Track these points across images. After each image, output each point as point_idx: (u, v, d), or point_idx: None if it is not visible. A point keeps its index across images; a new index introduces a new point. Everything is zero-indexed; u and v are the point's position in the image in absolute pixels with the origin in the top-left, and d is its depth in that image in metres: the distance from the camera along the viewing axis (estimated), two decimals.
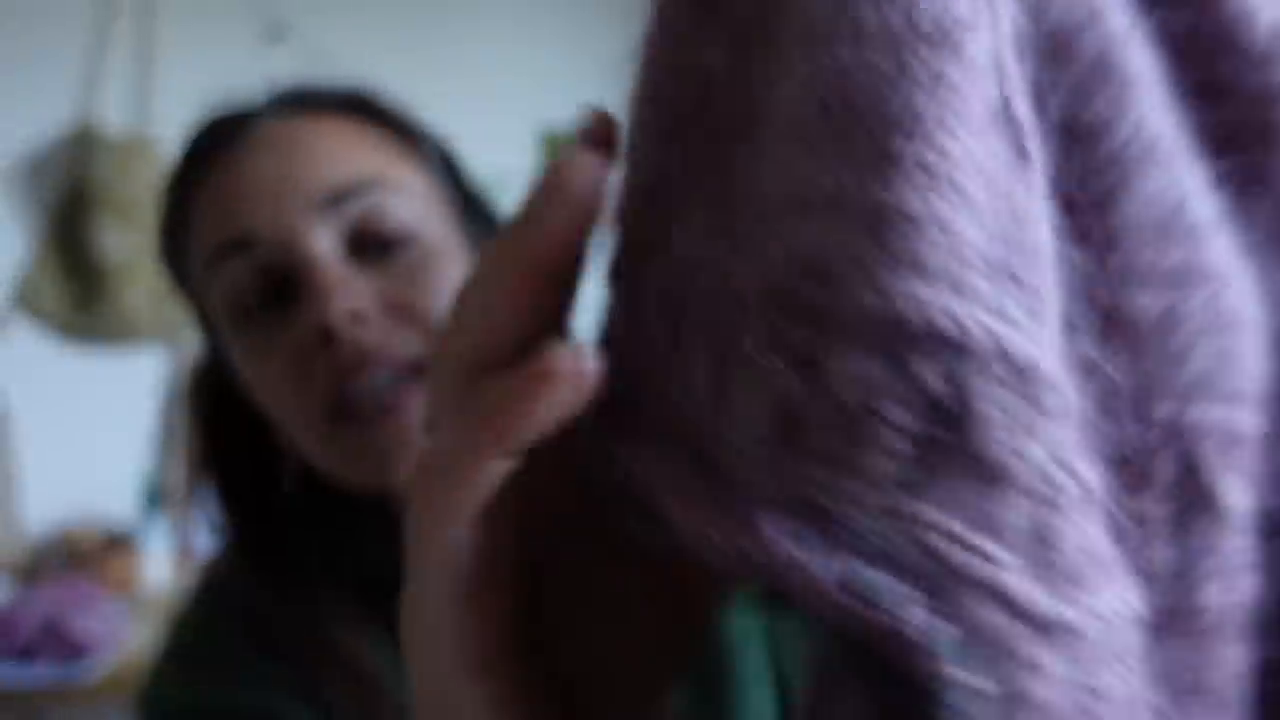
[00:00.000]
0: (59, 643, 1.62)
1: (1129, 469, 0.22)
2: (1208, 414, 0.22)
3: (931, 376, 0.19)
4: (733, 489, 0.19)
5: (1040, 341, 0.20)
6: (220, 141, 0.60)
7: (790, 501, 0.19)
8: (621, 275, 0.22)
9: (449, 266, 0.56)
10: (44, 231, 2.08)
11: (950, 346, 0.19)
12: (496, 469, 0.20)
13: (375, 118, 0.61)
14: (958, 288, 0.19)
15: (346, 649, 0.57)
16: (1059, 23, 0.23)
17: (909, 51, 0.19)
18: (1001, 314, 0.19)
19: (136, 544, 1.98)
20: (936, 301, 0.19)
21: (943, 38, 0.19)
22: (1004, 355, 0.19)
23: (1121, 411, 0.22)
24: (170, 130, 2.19)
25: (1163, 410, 0.22)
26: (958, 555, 0.19)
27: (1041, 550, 0.19)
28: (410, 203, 0.57)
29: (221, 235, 0.57)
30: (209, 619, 0.65)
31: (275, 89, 0.63)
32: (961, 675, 0.18)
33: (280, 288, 0.55)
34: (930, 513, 0.19)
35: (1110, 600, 0.20)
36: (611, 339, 0.22)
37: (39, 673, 1.60)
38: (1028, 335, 0.19)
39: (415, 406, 0.53)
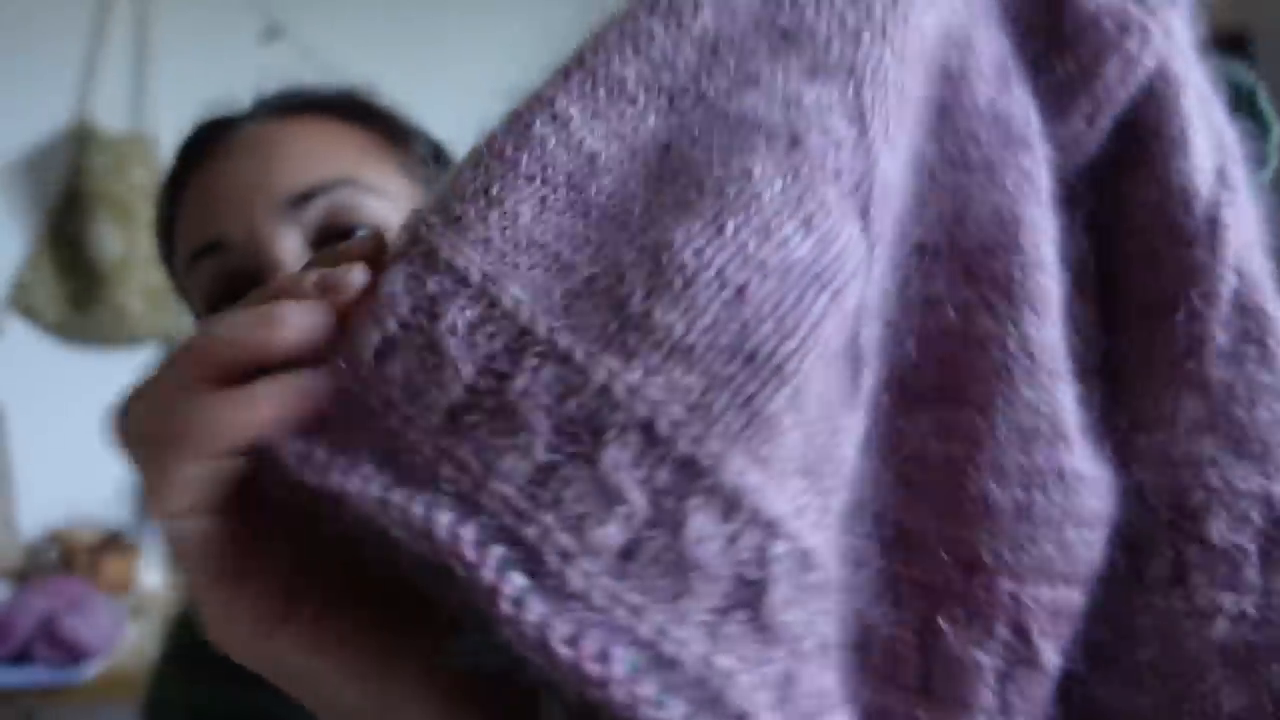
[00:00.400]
0: (55, 644, 1.61)
1: (959, 628, 0.29)
2: (1041, 594, 0.29)
3: (753, 556, 0.24)
4: None
5: (821, 533, 0.26)
6: (204, 146, 0.62)
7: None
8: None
9: None
10: (40, 230, 2.07)
11: (768, 531, 0.24)
12: (200, 473, 0.25)
13: (361, 119, 0.62)
14: (781, 485, 0.25)
15: None
16: (978, 244, 0.30)
17: (805, 295, 0.25)
18: (800, 512, 0.25)
19: (132, 545, 1.97)
20: (767, 491, 0.24)
21: (831, 291, 0.26)
22: (796, 543, 0.25)
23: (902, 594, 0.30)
24: (166, 129, 2.20)
25: (1005, 586, 0.29)
26: (736, 700, 0.23)
27: (787, 690, 0.24)
28: (384, 203, 0.58)
29: (198, 239, 0.58)
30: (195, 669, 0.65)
31: (265, 92, 0.64)
32: None
33: (249, 286, 0.56)
34: (721, 659, 0.23)
35: None
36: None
37: (35, 674, 1.60)
38: (815, 527, 0.25)
39: None
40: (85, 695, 1.60)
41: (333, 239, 0.56)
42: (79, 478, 2.03)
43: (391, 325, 0.25)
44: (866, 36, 0.28)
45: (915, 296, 0.30)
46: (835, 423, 0.26)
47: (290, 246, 0.56)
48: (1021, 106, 0.31)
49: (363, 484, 0.24)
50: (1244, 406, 0.31)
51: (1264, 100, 0.47)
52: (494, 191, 0.27)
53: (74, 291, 2.08)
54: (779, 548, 0.24)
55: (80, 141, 2.05)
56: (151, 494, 0.26)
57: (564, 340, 0.25)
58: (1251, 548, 0.31)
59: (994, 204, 0.30)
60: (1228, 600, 0.30)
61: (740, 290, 0.25)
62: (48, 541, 2.00)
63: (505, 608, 0.22)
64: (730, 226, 0.25)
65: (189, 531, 0.26)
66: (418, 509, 0.23)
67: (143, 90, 2.13)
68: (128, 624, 1.71)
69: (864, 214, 0.27)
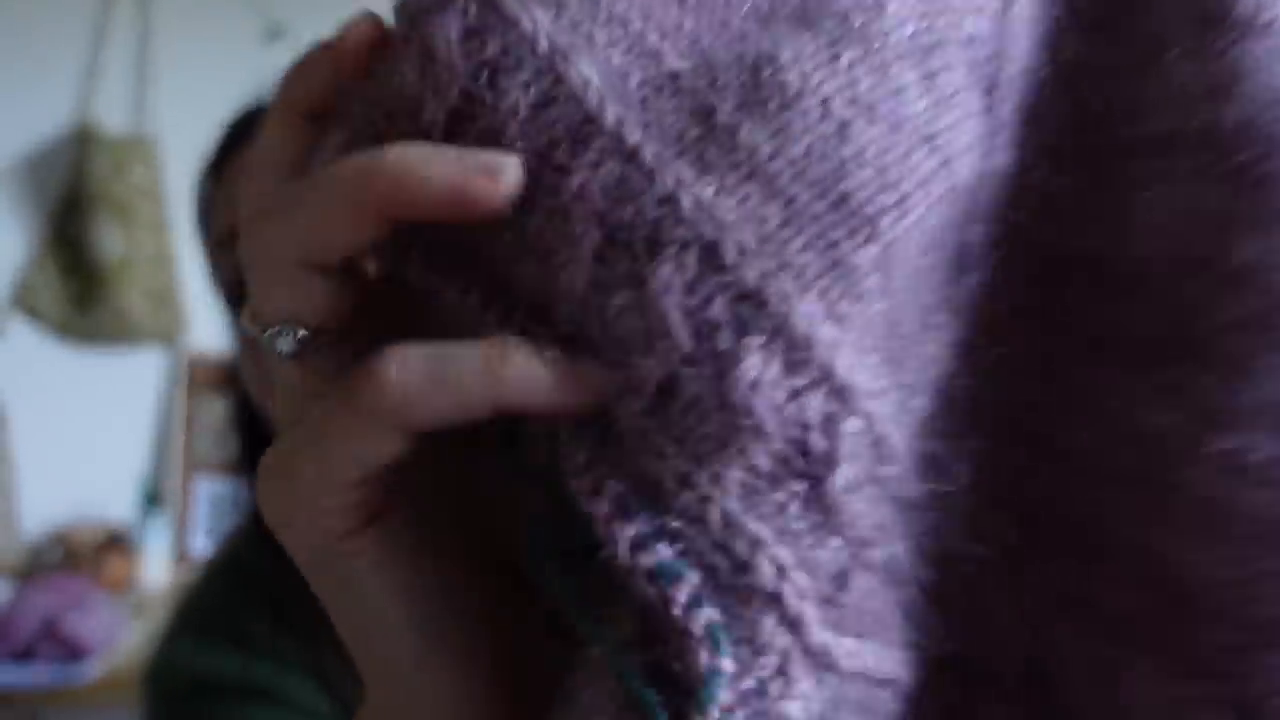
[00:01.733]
0: (57, 643, 1.62)
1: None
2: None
3: (820, 422, 0.21)
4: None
5: (900, 429, 0.22)
6: (242, 135, 0.62)
7: (639, 479, 0.21)
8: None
9: None
10: (42, 231, 2.08)
11: (841, 399, 0.21)
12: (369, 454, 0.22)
13: None
14: (860, 355, 0.21)
15: None
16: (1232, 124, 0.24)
17: (913, 153, 0.22)
18: (879, 394, 0.21)
19: (134, 544, 1.98)
20: (843, 351, 0.21)
21: (942, 157, 0.23)
22: (872, 424, 0.21)
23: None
24: (168, 130, 2.20)
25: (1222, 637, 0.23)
26: (768, 575, 0.20)
27: (837, 592, 0.21)
28: None
29: (223, 226, 0.60)
30: (225, 591, 0.66)
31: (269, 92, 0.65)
32: (729, 674, 0.20)
33: None
34: (763, 531, 0.20)
35: (880, 657, 0.22)
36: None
37: (37, 673, 1.60)
38: (893, 421, 0.22)
39: None
40: (87, 694, 1.60)
41: None
42: (81, 477, 2.04)
43: (453, 95, 0.22)
44: None
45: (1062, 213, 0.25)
46: (925, 316, 0.23)
47: None
48: None
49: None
50: None
51: None
52: None
53: (76, 292, 2.08)
54: (853, 423, 0.21)
55: (82, 143, 2.06)
56: (265, 294, 0.24)
57: (632, 135, 0.21)
58: None
59: (1276, 79, 0.23)
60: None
61: (842, 128, 0.21)
62: (50, 540, 2.00)
63: (553, 448, 0.21)
64: (846, 58, 0.22)
65: (323, 359, 0.24)
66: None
67: (144, 92, 2.14)
68: (130, 623, 1.72)
69: (989, 91, 0.24)
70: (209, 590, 0.69)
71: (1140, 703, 0.24)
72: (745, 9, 0.23)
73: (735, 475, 0.20)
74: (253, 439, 0.69)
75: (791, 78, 0.22)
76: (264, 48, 2.17)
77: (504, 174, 0.21)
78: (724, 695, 0.19)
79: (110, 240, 2.05)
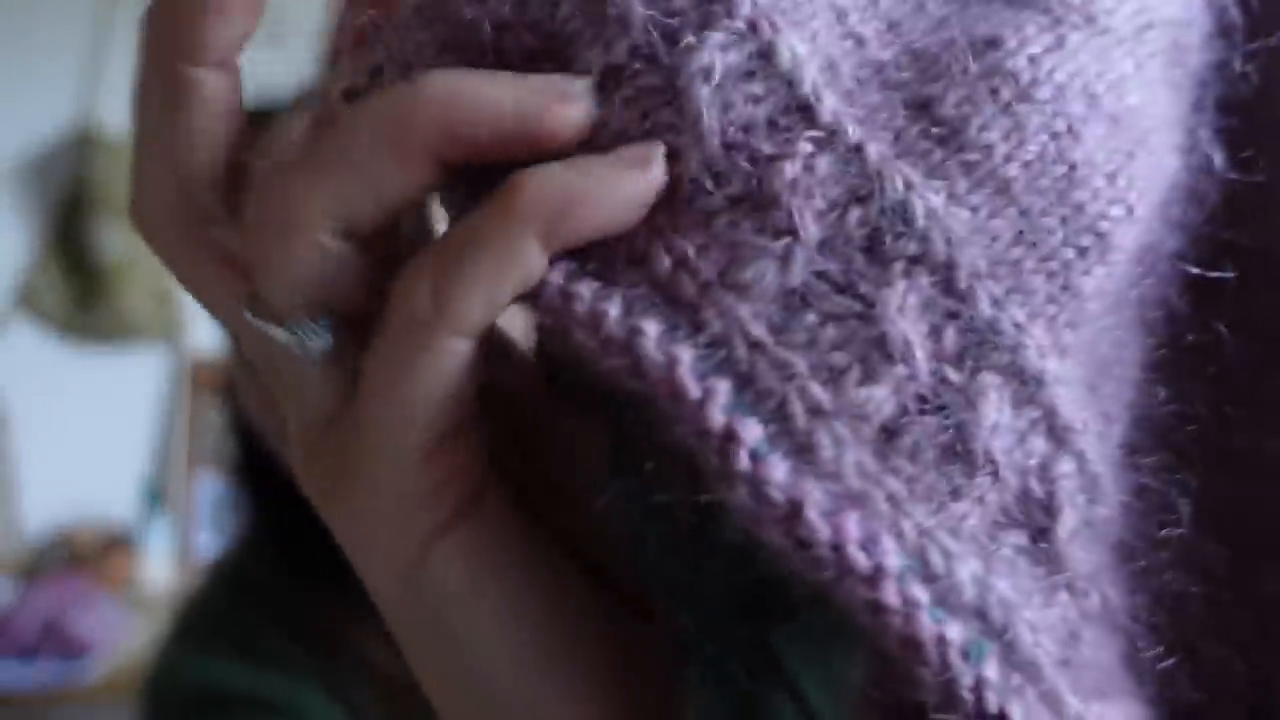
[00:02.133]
0: (59, 643, 1.62)
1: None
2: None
3: (1038, 466, 0.19)
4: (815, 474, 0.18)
5: (1103, 461, 0.20)
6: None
7: (853, 494, 0.18)
8: None
9: None
10: (44, 232, 2.08)
11: (1059, 440, 0.19)
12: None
13: None
14: (1072, 388, 0.19)
15: (375, 646, 0.57)
16: None
17: (1136, 154, 0.19)
18: (1086, 427, 0.19)
19: (136, 544, 1.98)
20: (1063, 388, 0.19)
21: (1156, 158, 0.20)
22: (1085, 463, 0.19)
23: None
24: None
25: None
26: (1023, 635, 0.18)
27: (1071, 648, 0.19)
28: None
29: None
30: (230, 600, 0.64)
31: (301, 84, 0.62)
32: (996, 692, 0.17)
33: None
34: (1002, 585, 0.18)
35: (1120, 717, 0.20)
36: None
37: (39, 672, 1.60)
38: (1096, 448, 0.20)
39: None
40: (89, 693, 1.60)
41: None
42: (83, 476, 2.04)
43: (621, 51, 0.18)
44: None
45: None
46: (1119, 332, 0.21)
47: None
48: None
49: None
50: None
51: None
52: None
53: (79, 292, 2.08)
54: (1066, 464, 0.19)
55: (85, 143, 2.06)
56: (286, 272, 0.19)
57: (853, 130, 0.18)
58: None
59: None
60: None
61: (1074, 125, 0.18)
62: (52, 540, 2.00)
63: (741, 460, 0.17)
64: (1074, 40, 0.19)
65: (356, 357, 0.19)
66: (612, 309, 0.17)
67: None
68: (132, 622, 1.72)
69: (1178, 78, 0.21)
70: (213, 598, 0.67)
71: None
72: None
73: (970, 525, 0.18)
74: (251, 456, 0.65)
75: (1021, 63, 0.18)
76: (265, 50, 2.17)
77: (578, 98, 0.18)
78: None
79: (112, 241, 2.05)
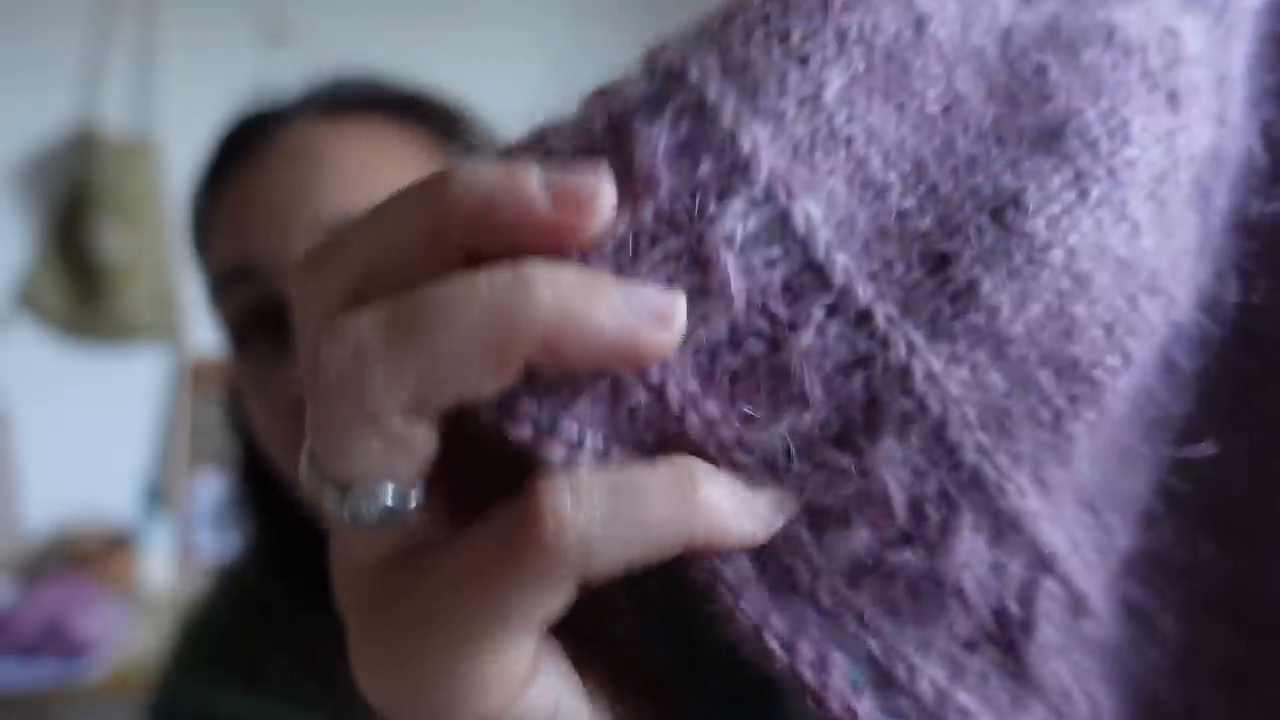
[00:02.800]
0: (60, 642, 1.62)
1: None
2: None
3: (1017, 589, 0.20)
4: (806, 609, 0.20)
5: (1095, 577, 0.21)
6: (243, 148, 0.56)
7: (847, 640, 0.20)
8: None
9: None
10: (45, 232, 2.09)
11: (1042, 565, 0.20)
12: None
13: (425, 120, 0.57)
14: (1059, 513, 0.20)
15: None
16: None
17: (1139, 301, 0.20)
18: (1076, 548, 0.21)
19: (137, 543, 1.98)
20: (1044, 518, 0.20)
21: (1167, 298, 0.21)
22: (1069, 584, 0.21)
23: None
24: (172, 132, 2.20)
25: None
26: None
27: None
28: None
29: (227, 260, 0.54)
30: (233, 623, 0.61)
31: (323, 84, 0.58)
32: None
33: (281, 316, 0.51)
34: (963, 696, 0.20)
35: None
36: None
37: (40, 672, 1.60)
38: (1090, 569, 0.21)
39: None
40: (91, 693, 1.60)
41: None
42: (84, 476, 2.04)
43: (647, 216, 0.18)
44: None
45: None
46: (1129, 449, 0.22)
47: None
48: None
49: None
50: None
51: None
52: (795, 40, 0.19)
53: (80, 292, 2.09)
54: (1050, 585, 0.20)
55: (86, 144, 2.06)
56: (352, 449, 0.18)
57: (864, 293, 0.19)
58: None
59: None
60: None
61: (1082, 281, 0.19)
62: (53, 539, 2.01)
63: (724, 593, 0.19)
64: (1095, 195, 0.19)
65: (417, 520, 0.20)
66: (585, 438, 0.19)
67: (149, 93, 2.14)
68: (133, 622, 1.72)
69: (1204, 203, 0.22)
70: (214, 621, 0.63)
71: None
72: (972, 127, 0.20)
73: (940, 646, 0.20)
74: (251, 467, 0.62)
75: (1039, 225, 0.19)
76: (268, 51, 2.18)
77: (676, 317, 0.18)
78: None
79: (113, 241, 2.05)
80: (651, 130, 0.19)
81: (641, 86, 0.19)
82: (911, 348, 0.19)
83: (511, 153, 0.20)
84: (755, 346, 0.19)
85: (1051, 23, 0.21)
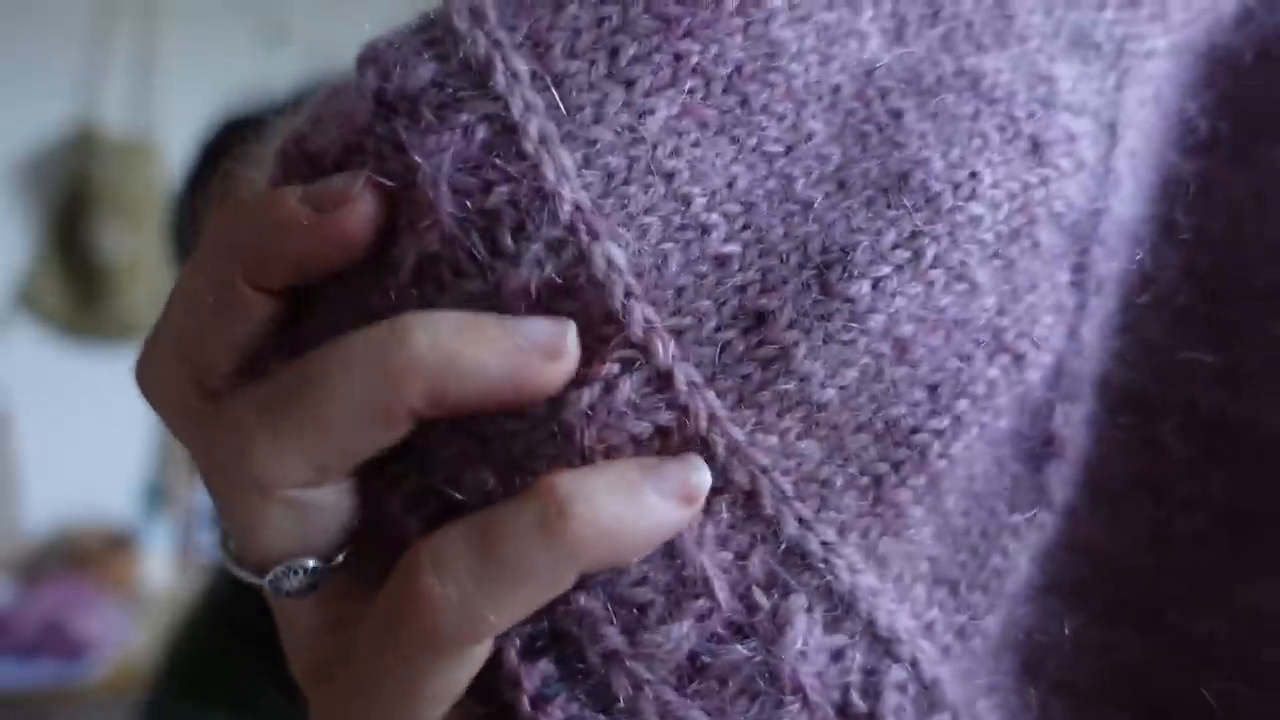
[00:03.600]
0: (60, 642, 1.62)
1: None
2: None
3: (860, 681, 0.19)
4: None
5: (953, 664, 0.19)
6: (226, 152, 0.57)
7: None
8: None
9: None
10: (45, 232, 2.09)
11: (883, 650, 0.19)
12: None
13: None
14: (903, 593, 0.19)
15: None
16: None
17: (974, 359, 0.19)
18: (928, 630, 0.19)
19: (138, 543, 1.98)
20: (884, 597, 0.19)
21: (1012, 355, 0.20)
22: (918, 671, 0.19)
23: None
24: (172, 131, 2.20)
25: None
26: None
27: None
28: None
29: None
30: (216, 643, 0.61)
31: (302, 86, 0.57)
32: None
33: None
34: None
35: None
36: None
37: (40, 672, 1.60)
38: (946, 654, 0.19)
39: None
40: (90, 693, 1.60)
41: None
42: (85, 476, 2.04)
43: (433, 243, 0.17)
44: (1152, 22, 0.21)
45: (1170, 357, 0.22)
46: (995, 521, 0.21)
47: None
48: None
49: None
50: None
51: None
52: (623, 59, 0.17)
53: (80, 292, 2.09)
54: (896, 674, 0.19)
55: (86, 143, 2.06)
56: (263, 529, 0.18)
57: (664, 352, 0.18)
58: None
59: None
60: None
61: (902, 346, 0.18)
62: (54, 540, 2.00)
63: (524, 706, 0.17)
64: (931, 253, 0.18)
65: (344, 582, 0.20)
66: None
67: (148, 92, 2.14)
68: (133, 622, 1.72)
69: (1080, 259, 0.20)
70: (197, 640, 0.62)
71: None
72: (815, 169, 0.18)
73: None
74: None
75: (864, 289, 0.18)
76: (267, 50, 2.18)
77: (567, 348, 0.17)
78: None
79: (113, 241, 2.05)
80: (439, 138, 0.17)
81: (429, 68, 0.17)
82: (712, 418, 0.18)
83: (278, 162, 0.19)
84: (537, 409, 0.17)
85: (917, 65, 0.19)
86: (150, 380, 0.20)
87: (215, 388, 0.18)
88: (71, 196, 2.08)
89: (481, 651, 0.17)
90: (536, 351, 0.17)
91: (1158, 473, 0.22)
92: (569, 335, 0.17)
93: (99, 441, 2.05)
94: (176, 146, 2.13)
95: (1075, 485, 0.22)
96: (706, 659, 0.18)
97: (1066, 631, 0.21)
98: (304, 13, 2.22)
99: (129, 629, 1.71)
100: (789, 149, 0.18)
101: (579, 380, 0.17)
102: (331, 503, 0.18)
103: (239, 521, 0.18)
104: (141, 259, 2.07)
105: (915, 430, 0.18)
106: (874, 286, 0.18)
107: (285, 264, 0.18)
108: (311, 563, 0.18)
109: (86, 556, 1.91)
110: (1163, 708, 0.23)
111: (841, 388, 0.18)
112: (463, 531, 0.17)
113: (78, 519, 2.03)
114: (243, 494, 0.18)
